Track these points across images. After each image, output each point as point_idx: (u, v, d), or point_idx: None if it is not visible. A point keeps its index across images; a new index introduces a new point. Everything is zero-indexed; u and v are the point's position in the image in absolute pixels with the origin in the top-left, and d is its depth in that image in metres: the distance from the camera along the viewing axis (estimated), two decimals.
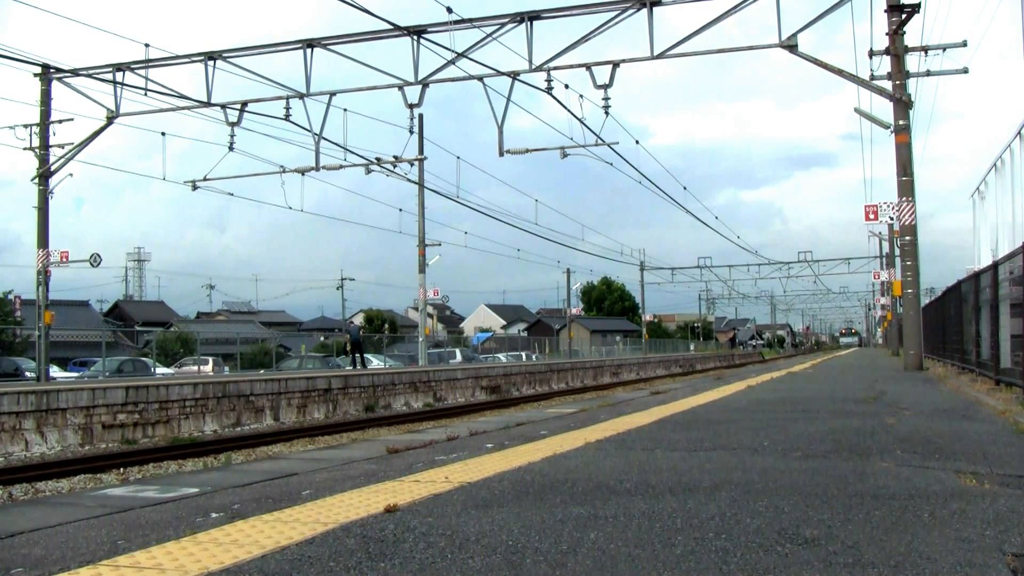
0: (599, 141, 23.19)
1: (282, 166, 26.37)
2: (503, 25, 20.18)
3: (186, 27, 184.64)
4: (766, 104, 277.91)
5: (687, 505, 4.30)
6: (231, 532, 3.98)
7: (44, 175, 24.67)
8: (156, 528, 4.19)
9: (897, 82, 19.08)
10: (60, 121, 24.74)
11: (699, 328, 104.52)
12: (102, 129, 24.14)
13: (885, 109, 19.73)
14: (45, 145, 24.59)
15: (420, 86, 21.41)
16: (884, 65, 19.48)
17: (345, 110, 24.23)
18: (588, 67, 20.28)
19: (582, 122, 21.99)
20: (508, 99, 21.67)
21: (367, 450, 9.00)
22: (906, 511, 4.07)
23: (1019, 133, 16.92)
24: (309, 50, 21.44)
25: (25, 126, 24.64)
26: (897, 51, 19.12)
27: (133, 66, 22.67)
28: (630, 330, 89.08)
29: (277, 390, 22.27)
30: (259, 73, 22.36)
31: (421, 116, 30.03)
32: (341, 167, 26.10)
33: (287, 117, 22.45)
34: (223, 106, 23.07)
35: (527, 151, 26.02)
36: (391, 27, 19.17)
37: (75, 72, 23.14)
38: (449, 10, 18.15)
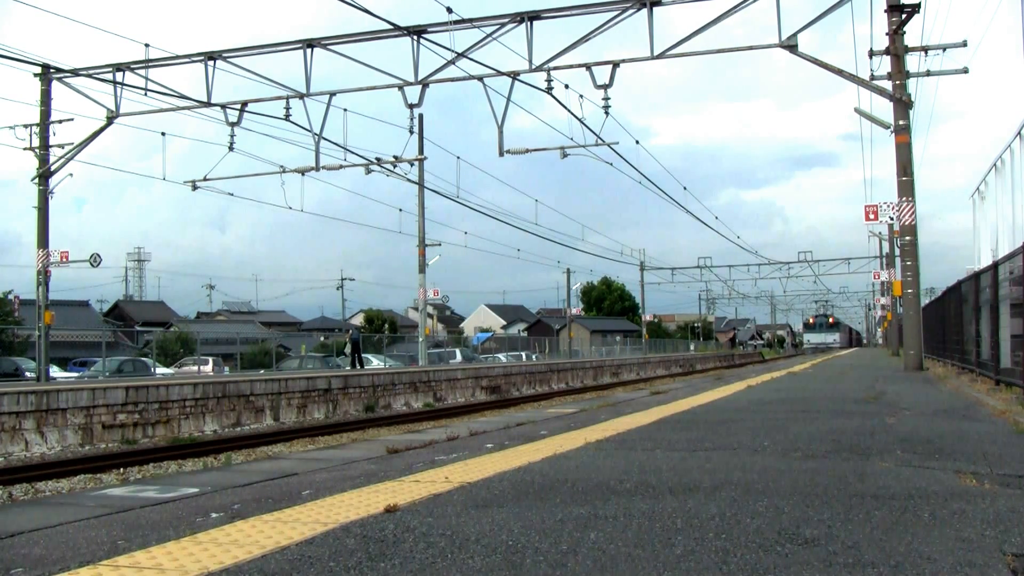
0: (599, 141, 23.19)
1: (282, 166, 26.39)
2: (503, 25, 20.18)
3: (186, 27, 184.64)
4: (767, 104, 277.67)
5: (687, 505, 4.30)
6: (231, 532, 3.98)
7: (44, 175, 24.67)
8: (156, 528, 4.19)
9: (897, 82, 19.08)
10: (60, 121, 24.77)
11: (699, 328, 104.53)
12: (102, 129, 24.15)
13: (885, 109, 19.75)
14: (45, 145, 24.59)
15: (420, 86, 21.41)
16: (884, 65, 19.50)
17: (345, 110, 24.26)
18: (588, 67, 20.28)
19: (582, 122, 22.01)
20: (508, 99, 21.71)
21: (367, 450, 9.02)
22: (906, 511, 4.06)
23: (1019, 133, 16.92)
24: (309, 50, 21.45)
25: (25, 126, 24.66)
26: (897, 51, 19.12)
27: (133, 66, 22.68)
28: (630, 330, 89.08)
29: (277, 390, 22.27)
30: (259, 73, 22.40)
31: (421, 116, 30.04)
32: (341, 167, 26.11)
33: (287, 117, 22.46)
34: (223, 106, 23.08)
35: (527, 151, 26.02)
36: (391, 27, 19.18)
37: (75, 72, 23.14)
38: (449, 10, 18.15)
